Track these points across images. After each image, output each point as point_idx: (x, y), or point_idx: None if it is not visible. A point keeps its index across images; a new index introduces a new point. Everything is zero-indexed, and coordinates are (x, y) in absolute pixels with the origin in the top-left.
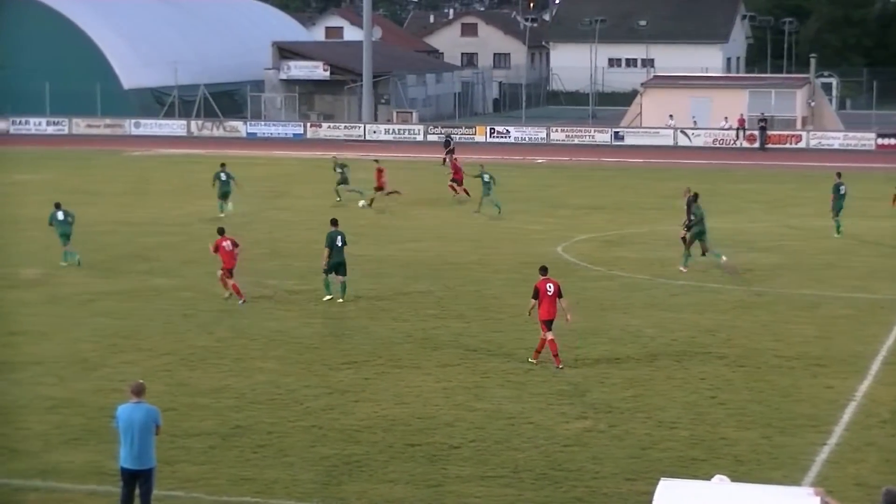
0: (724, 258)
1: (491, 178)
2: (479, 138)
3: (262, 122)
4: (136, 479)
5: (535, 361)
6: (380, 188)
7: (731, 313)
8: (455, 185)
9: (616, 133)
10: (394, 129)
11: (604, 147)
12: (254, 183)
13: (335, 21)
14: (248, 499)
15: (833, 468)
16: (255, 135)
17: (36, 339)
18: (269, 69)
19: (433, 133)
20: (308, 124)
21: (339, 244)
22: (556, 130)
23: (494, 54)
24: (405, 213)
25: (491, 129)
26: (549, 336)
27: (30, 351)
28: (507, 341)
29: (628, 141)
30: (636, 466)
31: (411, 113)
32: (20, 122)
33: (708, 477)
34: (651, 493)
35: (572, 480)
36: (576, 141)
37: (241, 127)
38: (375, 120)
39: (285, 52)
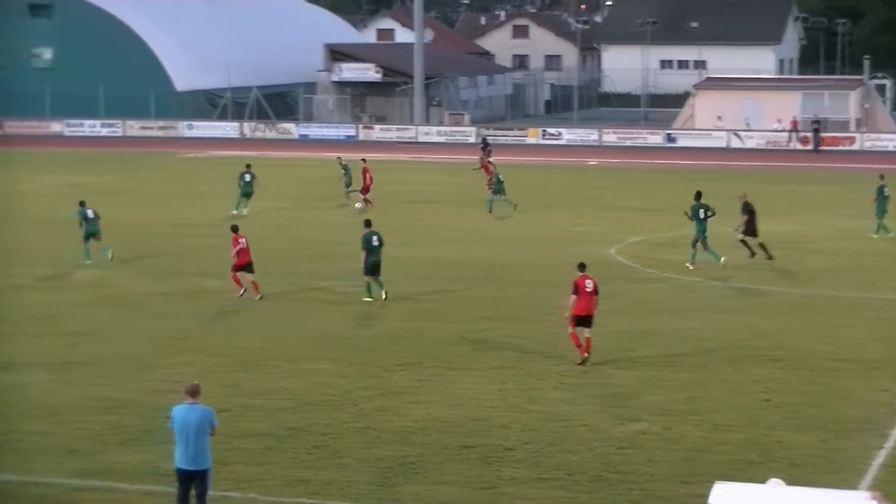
0: (721, 259)
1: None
2: (531, 140)
3: (315, 124)
4: (192, 480)
5: (581, 361)
6: (366, 189)
7: (784, 316)
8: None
9: (668, 135)
10: (445, 131)
11: (656, 149)
12: (305, 185)
13: (386, 23)
14: (303, 500)
15: (890, 472)
16: (308, 136)
17: (91, 340)
18: (322, 71)
19: (485, 135)
20: (360, 126)
21: (376, 244)
22: (608, 132)
23: (546, 56)
24: (455, 214)
25: (543, 130)
26: (587, 333)
27: (86, 352)
28: (561, 343)
29: (680, 143)
30: (691, 469)
31: (463, 115)
32: (75, 125)
33: (763, 480)
34: (706, 497)
35: (627, 483)
36: (628, 143)
37: (293, 129)
38: (427, 122)
39: (337, 54)
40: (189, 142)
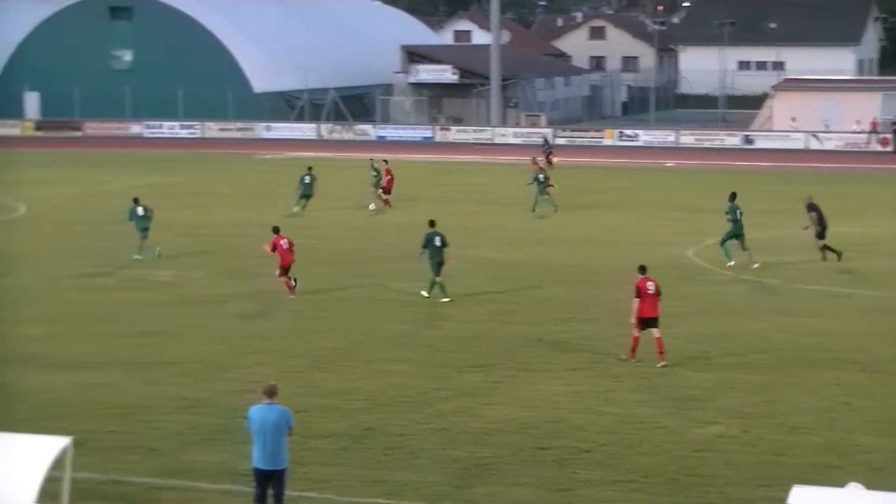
0: (756, 264)
1: (546, 177)
2: (608, 142)
3: (391, 126)
4: (269, 480)
5: (627, 358)
6: (387, 190)
7: (860, 318)
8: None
9: (746, 136)
10: (522, 133)
11: (733, 150)
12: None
13: (463, 25)
14: (379, 500)
15: None
16: (384, 138)
17: (170, 341)
18: (398, 73)
19: (561, 136)
20: (437, 128)
21: (438, 244)
22: (685, 134)
23: (623, 57)
24: (530, 216)
25: (619, 132)
26: (656, 334)
27: (165, 352)
28: (640, 347)
29: (758, 144)
30: (768, 473)
31: (539, 116)
32: (154, 126)
33: (842, 484)
34: (784, 500)
35: (704, 486)
36: (705, 144)
37: (370, 130)
38: (504, 123)
39: (414, 55)
40: (267, 143)
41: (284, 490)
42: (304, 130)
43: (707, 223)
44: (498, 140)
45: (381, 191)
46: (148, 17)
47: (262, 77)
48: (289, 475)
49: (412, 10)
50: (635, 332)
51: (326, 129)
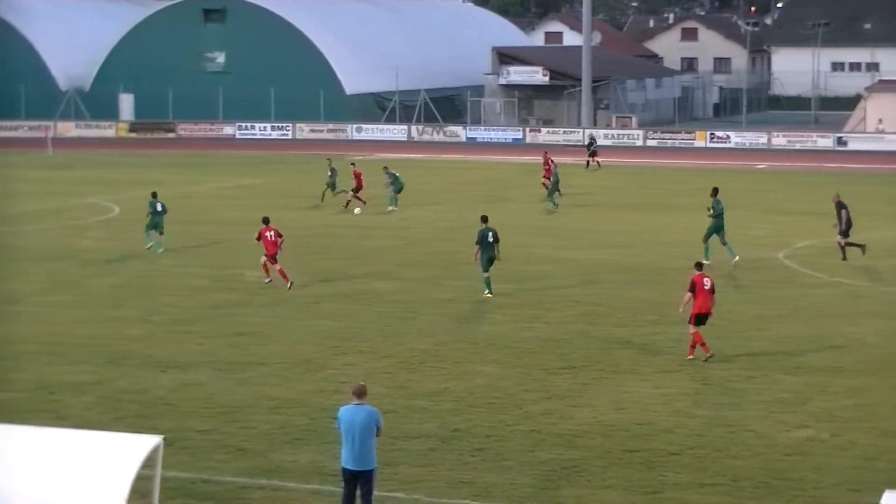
0: (736, 257)
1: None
2: (699, 143)
3: (482, 127)
4: (358, 480)
5: (692, 358)
6: (357, 189)
7: None
8: (547, 182)
9: (839, 138)
10: (613, 134)
11: (826, 152)
12: (470, 187)
13: (555, 26)
14: (467, 502)
15: None
16: (475, 139)
17: (261, 341)
18: (489, 74)
19: (652, 138)
20: (527, 129)
21: (490, 240)
22: (777, 135)
23: (715, 59)
24: (619, 218)
25: (711, 133)
26: (695, 329)
27: (255, 352)
28: (726, 347)
29: (852, 146)
30: (860, 477)
31: (630, 118)
32: (246, 127)
33: None
34: None
35: (794, 490)
36: (797, 146)
37: (460, 131)
38: (595, 125)
39: (505, 57)
40: (357, 144)
41: (373, 490)
42: (395, 132)
43: (799, 226)
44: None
45: (351, 192)
46: (241, 18)
47: (354, 78)
48: (377, 475)
49: (504, 11)
50: (692, 328)
51: (417, 131)
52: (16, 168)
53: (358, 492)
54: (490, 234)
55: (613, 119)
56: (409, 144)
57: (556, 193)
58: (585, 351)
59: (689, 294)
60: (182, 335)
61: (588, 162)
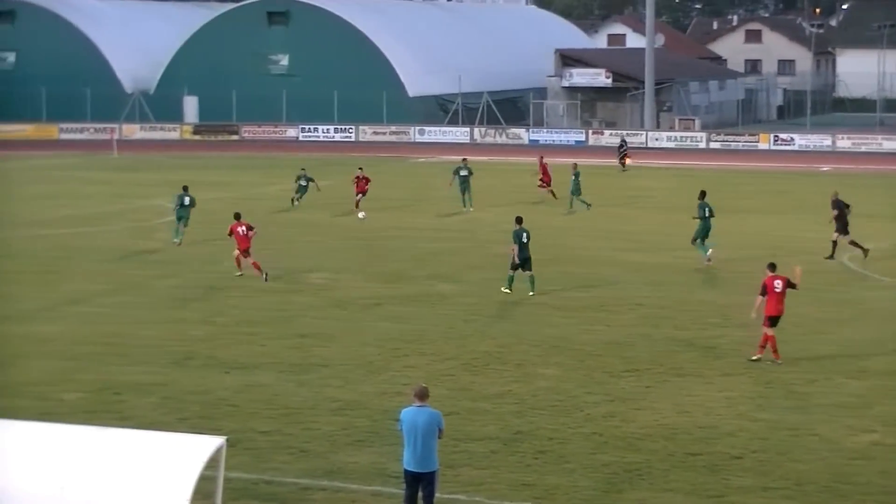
0: (709, 257)
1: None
2: (763, 146)
3: (545, 129)
4: (419, 482)
5: (757, 358)
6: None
7: None
8: (543, 184)
9: None
10: (676, 137)
11: (892, 155)
12: (534, 190)
13: (618, 28)
14: None
15: None
16: (538, 142)
17: (323, 342)
18: (552, 76)
19: (715, 140)
20: (590, 131)
21: (525, 240)
22: (842, 138)
23: (779, 60)
24: (681, 220)
25: (774, 136)
26: (770, 332)
27: (317, 353)
28: (790, 351)
29: None
30: None
31: (693, 120)
32: (309, 130)
33: None
34: None
35: (859, 494)
36: (862, 149)
37: (523, 134)
38: (657, 127)
39: (568, 59)
40: (420, 146)
41: (434, 492)
42: (458, 134)
43: (864, 229)
44: (651, 144)
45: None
46: (304, 21)
47: (417, 81)
48: (439, 477)
49: (566, 14)
50: (766, 331)
51: (479, 133)
52: (81, 170)
53: (419, 494)
54: (524, 234)
55: (676, 121)
56: (472, 146)
57: (580, 195)
58: (648, 354)
59: (761, 297)
60: (245, 336)
61: (623, 164)
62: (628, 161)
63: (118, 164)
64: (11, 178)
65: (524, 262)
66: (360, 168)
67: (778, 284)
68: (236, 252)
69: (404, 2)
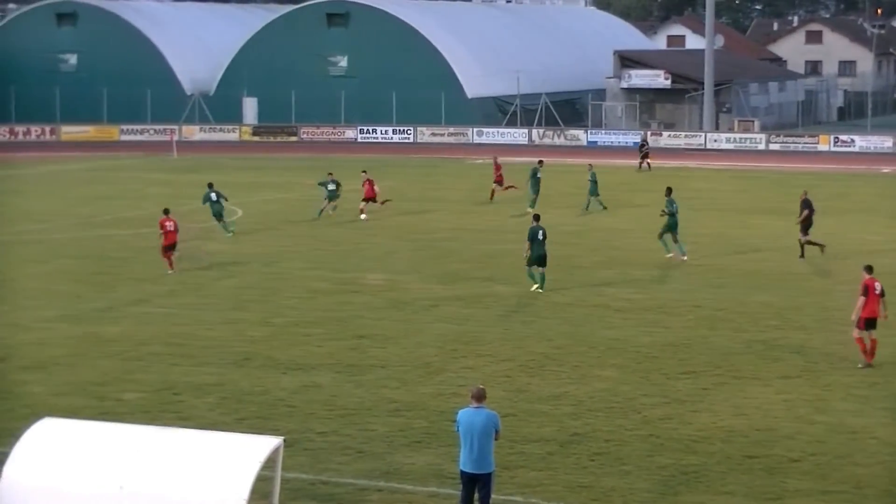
0: (685, 256)
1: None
2: (823, 147)
3: (603, 131)
4: (476, 483)
5: (868, 363)
6: (369, 199)
7: None
8: (497, 186)
9: None
10: (735, 138)
11: None
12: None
13: (677, 29)
14: None
15: None
16: (596, 143)
17: (381, 343)
18: (611, 78)
19: (774, 142)
20: (648, 133)
21: (541, 238)
22: None
23: (839, 62)
24: (741, 222)
25: (835, 137)
26: (872, 335)
27: (375, 354)
28: (850, 354)
29: None
30: None
31: (753, 121)
32: (367, 131)
33: None
34: None
35: None
36: None
37: (581, 135)
38: (716, 129)
39: (626, 60)
40: (478, 148)
41: (491, 494)
42: (516, 135)
43: None
44: (710, 145)
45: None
46: (363, 22)
47: (475, 82)
48: (495, 479)
49: (626, 15)
50: (856, 334)
51: (537, 134)
52: (142, 171)
53: (476, 495)
54: (540, 231)
55: (735, 123)
56: (530, 148)
57: (598, 195)
58: (706, 356)
59: (863, 298)
60: (303, 337)
61: (640, 164)
62: (648, 161)
63: (178, 166)
64: (73, 179)
65: (539, 259)
66: (364, 171)
67: (877, 286)
68: (162, 249)
69: (463, 2)
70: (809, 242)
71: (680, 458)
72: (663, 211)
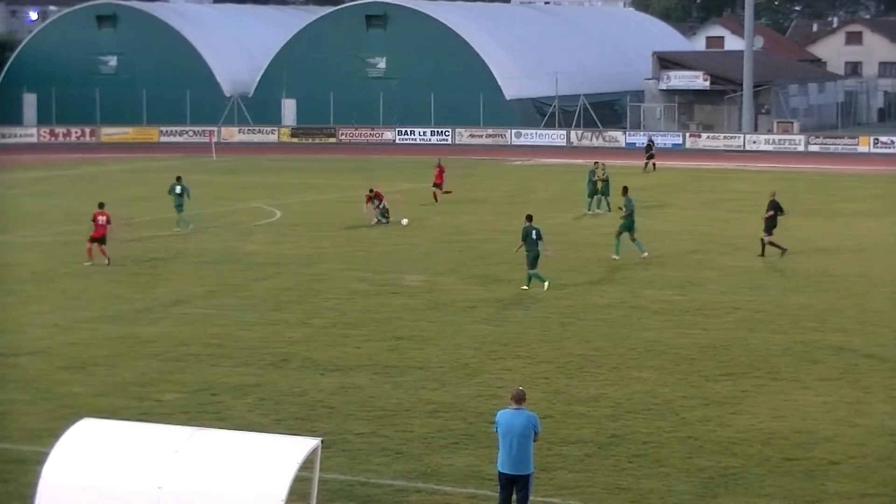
0: (645, 254)
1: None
2: (863, 149)
3: (641, 132)
4: (514, 484)
5: None
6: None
7: None
8: (437, 190)
9: None
10: (774, 140)
11: None
12: (634, 193)
13: (716, 30)
14: None
15: None
16: (634, 144)
17: (419, 344)
18: (649, 79)
19: (814, 143)
20: (687, 134)
21: (534, 237)
22: None
23: (880, 63)
24: (780, 223)
25: (875, 139)
26: None
27: (414, 356)
28: (891, 356)
29: None
30: None
31: (792, 123)
32: (405, 132)
33: None
34: None
35: None
36: None
37: (619, 137)
38: (755, 130)
39: (665, 61)
40: (517, 149)
41: (529, 495)
42: (554, 137)
43: None
44: (749, 147)
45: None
46: (402, 24)
47: (513, 83)
48: (534, 480)
49: (665, 16)
50: None
51: (576, 136)
52: (181, 172)
53: (514, 496)
54: (534, 231)
55: (775, 124)
56: (569, 150)
57: (607, 197)
58: (745, 358)
59: None
60: (342, 338)
61: (646, 164)
62: (653, 162)
63: (217, 167)
64: (113, 180)
65: (533, 260)
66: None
67: None
68: (90, 239)
69: (501, 4)
70: (772, 243)
71: (719, 460)
72: (620, 208)
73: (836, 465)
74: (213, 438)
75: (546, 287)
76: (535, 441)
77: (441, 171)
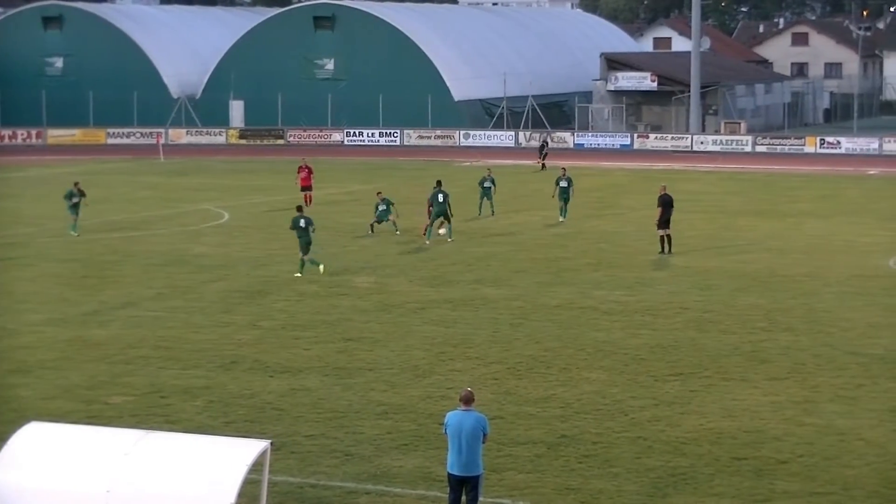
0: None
1: (492, 182)
2: (809, 149)
3: (590, 133)
4: (464, 486)
5: None
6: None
7: None
8: (306, 192)
9: None
10: (721, 140)
11: None
12: (582, 194)
13: (664, 31)
14: None
15: None
16: (583, 146)
17: (369, 346)
18: (598, 80)
19: (761, 144)
20: (635, 135)
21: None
22: (890, 141)
23: (825, 64)
24: (728, 224)
25: (821, 139)
26: None
27: (363, 357)
28: (838, 356)
29: None
30: None
31: (739, 124)
32: (354, 134)
33: None
34: None
35: None
36: None
37: (568, 138)
38: (703, 131)
39: (613, 62)
40: (465, 150)
41: (479, 496)
42: (503, 138)
43: None
44: (696, 148)
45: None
46: (350, 25)
47: (462, 84)
48: (483, 481)
49: (613, 17)
50: None
51: (524, 137)
52: (129, 174)
53: (464, 498)
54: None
55: (722, 125)
56: (517, 151)
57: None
58: (694, 358)
59: None
60: (291, 340)
61: (543, 165)
62: (544, 162)
63: (165, 169)
64: (61, 182)
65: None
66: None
67: None
68: None
69: (450, 5)
70: (669, 237)
71: (668, 460)
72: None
73: (785, 463)
74: (162, 441)
75: (321, 270)
76: (484, 442)
77: (308, 171)
